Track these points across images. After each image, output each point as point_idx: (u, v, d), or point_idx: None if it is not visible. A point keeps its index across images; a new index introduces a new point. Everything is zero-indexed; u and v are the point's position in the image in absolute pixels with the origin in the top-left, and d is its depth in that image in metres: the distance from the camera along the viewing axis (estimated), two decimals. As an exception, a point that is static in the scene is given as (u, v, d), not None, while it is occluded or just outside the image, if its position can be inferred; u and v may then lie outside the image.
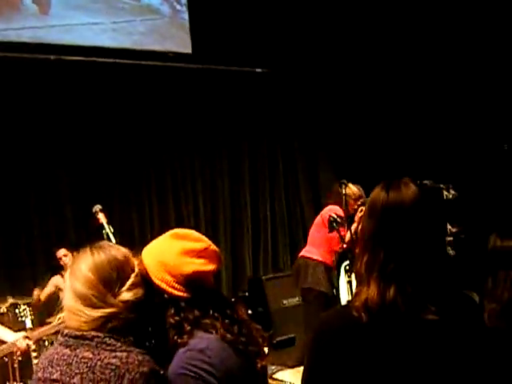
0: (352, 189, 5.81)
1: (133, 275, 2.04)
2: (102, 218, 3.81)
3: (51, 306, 6.08)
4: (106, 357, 1.92)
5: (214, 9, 8.72)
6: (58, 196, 7.80)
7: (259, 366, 2.12)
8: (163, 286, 2.06)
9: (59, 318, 5.09)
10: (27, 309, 5.43)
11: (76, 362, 1.95)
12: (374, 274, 1.76)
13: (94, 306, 1.98)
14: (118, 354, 1.92)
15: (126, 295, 2.00)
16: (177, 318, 2.03)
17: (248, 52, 8.94)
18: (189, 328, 2.02)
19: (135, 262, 2.09)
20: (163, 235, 2.19)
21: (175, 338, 2.01)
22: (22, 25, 7.75)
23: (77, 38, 8.03)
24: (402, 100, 8.64)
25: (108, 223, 3.75)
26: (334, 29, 9.08)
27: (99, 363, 1.91)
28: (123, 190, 8.17)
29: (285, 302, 7.75)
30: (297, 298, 7.49)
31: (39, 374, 2.00)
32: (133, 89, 8.21)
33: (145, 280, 2.07)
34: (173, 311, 2.04)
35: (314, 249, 5.97)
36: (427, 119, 8.31)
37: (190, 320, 2.03)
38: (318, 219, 6.11)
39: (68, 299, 2.04)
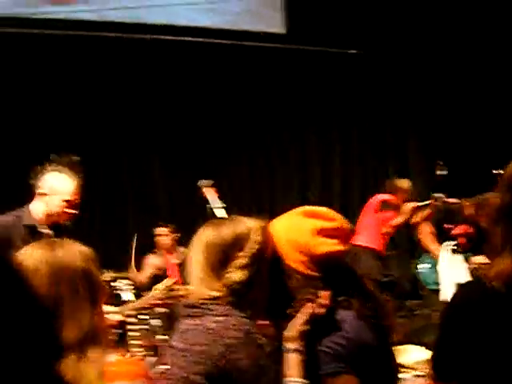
0: (403, 183, 6.41)
1: (241, 255, 1.98)
2: (207, 192, 3.79)
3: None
4: (208, 321, 1.93)
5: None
6: (151, 173, 7.92)
7: (391, 339, 2.10)
8: (296, 265, 2.01)
9: (153, 293, 5.20)
10: (124, 282, 5.47)
11: (187, 329, 1.97)
12: (509, 245, 1.76)
13: (201, 287, 1.99)
14: (219, 318, 1.93)
15: (230, 277, 1.97)
16: (313, 297, 1.99)
17: (342, 33, 8.79)
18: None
19: (254, 238, 2.00)
20: (293, 211, 2.12)
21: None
22: (119, 5, 7.87)
23: (173, 18, 8.10)
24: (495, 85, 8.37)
25: (220, 198, 3.71)
26: (429, 12, 8.81)
27: (201, 328, 1.92)
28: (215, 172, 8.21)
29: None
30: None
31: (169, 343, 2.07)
32: (227, 69, 8.23)
33: (275, 257, 2.02)
34: (307, 290, 1.99)
35: (360, 235, 5.92)
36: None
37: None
38: (365, 207, 6.27)
39: (188, 275, 2.07)
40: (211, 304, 1.95)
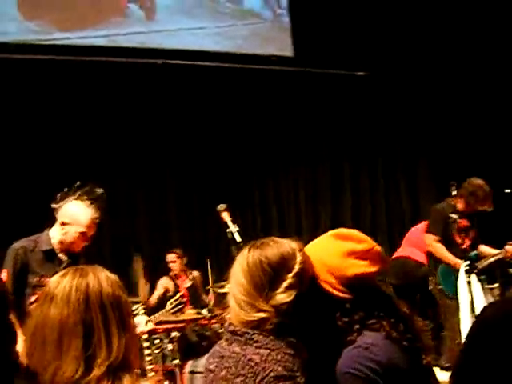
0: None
1: (289, 276, 1.98)
2: (226, 216, 3.81)
3: (162, 306, 6.17)
4: (250, 352, 1.92)
5: (314, 12, 8.70)
6: (164, 198, 7.96)
7: (425, 361, 2.05)
8: (326, 287, 2.02)
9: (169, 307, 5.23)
10: (139, 307, 5.51)
11: (227, 355, 1.97)
12: None
13: (246, 310, 1.97)
14: (261, 351, 1.92)
15: (278, 298, 1.96)
16: (344, 319, 2.00)
17: (349, 55, 8.86)
18: (356, 327, 1.98)
19: (298, 258, 2.02)
20: (325, 234, 2.14)
21: (344, 338, 1.98)
22: (129, 30, 7.96)
23: (181, 43, 8.18)
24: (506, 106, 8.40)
25: (233, 222, 3.74)
26: (434, 33, 8.88)
27: (243, 358, 1.91)
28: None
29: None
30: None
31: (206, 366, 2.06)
32: (235, 93, 8.29)
33: (311, 280, 2.03)
34: (339, 313, 2.00)
35: (406, 247, 6.11)
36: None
37: (356, 321, 1.99)
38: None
39: (229, 299, 2.05)
40: (254, 334, 1.94)
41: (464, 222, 5.70)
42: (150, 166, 7.86)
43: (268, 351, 1.91)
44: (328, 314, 2.01)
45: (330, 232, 2.14)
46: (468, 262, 5.16)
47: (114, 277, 1.79)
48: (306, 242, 2.14)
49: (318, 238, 2.15)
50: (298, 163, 8.94)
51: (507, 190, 5.36)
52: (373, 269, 2.05)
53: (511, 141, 8.29)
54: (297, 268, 1.99)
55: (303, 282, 2.00)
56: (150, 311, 6.17)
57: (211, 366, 2.00)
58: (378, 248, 2.10)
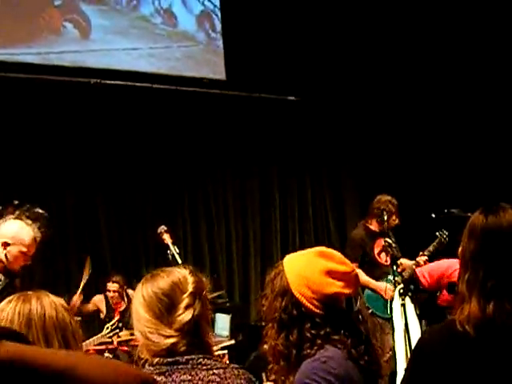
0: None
1: (184, 297, 2.09)
2: (167, 238, 3.86)
3: (89, 324, 6.12)
4: (204, 376, 1.99)
5: (247, 37, 8.87)
6: (96, 219, 7.90)
7: None
8: (302, 299, 2.13)
9: (105, 332, 5.20)
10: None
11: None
12: (475, 291, 1.88)
13: (155, 341, 2.05)
14: (215, 371, 2.00)
15: (179, 319, 2.06)
16: (313, 331, 2.11)
17: (280, 80, 9.05)
18: (319, 342, 2.09)
19: (190, 279, 2.13)
20: (308, 250, 2.27)
21: (306, 350, 2.09)
22: (62, 49, 7.91)
23: (115, 63, 8.19)
24: (430, 124, 8.80)
25: (173, 243, 3.79)
26: (362, 58, 9.20)
27: (200, 383, 1.98)
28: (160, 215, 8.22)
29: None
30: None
31: None
32: (168, 113, 8.34)
33: (283, 289, 2.15)
34: (308, 325, 2.11)
35: None
36: (458, 144, 8.44)
37: (322, 336, 2.10)
38: None
39: (136, 334, 2.16)
40: (199, 358, 2.01)
41: (381, 242, 5.90)
42: (80, 185, 7.78)
43: (222, 370, 2.00)
44: (296, 323, 2.12)
45: (315, 249, 2.27)
46: (401, 285, 5.33)
47: (58, 300, 1.90)
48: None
49: (302, 253, 2.28)
50: (228, 185, 9.03)
51: (453, 210, 5.58)
52: (347, 291, 2.17)
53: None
54: (190, 288, 2.10)
55: (200, 299, 2.11)
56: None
57: None
58: (356, 273, 2.23)
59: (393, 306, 5.56)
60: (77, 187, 7.78)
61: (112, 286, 6.95)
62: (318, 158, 9.76)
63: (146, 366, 2.07)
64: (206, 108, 8.60)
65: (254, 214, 9.17)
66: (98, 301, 6.99)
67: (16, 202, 3.84)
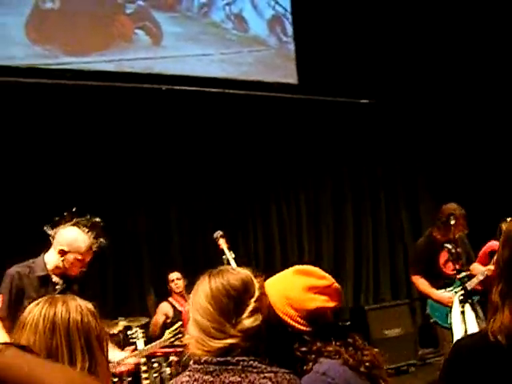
0: None
1: (252, 301, 2.01)
2: (222, 243, 3.84)
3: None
4: (255, 379, 1.91)
5: (319, 40, 8.79)
6: (167, 222, 7.97)
7: None
8: (287, 319, 2.09)
9: (167, 337, 5.22)
10: (139, 330, 5.51)
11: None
12: (508, 300, 1.80)
13: (214, 337, 1.97)
14: (267, 374, 1.92)
15: (245, 323, 1.98)
16: (302, 349, 2.06)
17: (353, 83, 8.92)
18: (313, 357, 2.05)
19: (256, 285, 2.06)
20: (287, 270, 2.23)
21: (301, 368, 2.03)
22: (135, 56, 8.03)
23: (187, 69, 8.25)
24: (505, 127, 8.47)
25: (229, 249, 3.76)
26: (439, 60, 8.96)
27: None
28: (229, 224, 8.21)
29: (386, 332, 7.84)
30: (399, 329, 7.88)
31: None
32: (240, 118, 8.34)
33: (269, 311, 2.08)
34: (297, 344, 2.07)
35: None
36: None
37: (314, 351, 2.06)
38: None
39: (191, 329, 2.05)
40: (251, 360, 1.95)
41: (446, 251, 5.73)
42: (154, 191, 7.87)
43: (273, 374, 1.92)
44: (285, 344, 2.07)
45: (292, 268, 2.22)
46: (462, 292, 5.16)
47: (86, 305, 1.87)
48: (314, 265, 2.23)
49: (280, 274, 2.23)
50: (301, 188, 8.97)
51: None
52: (331, 304, 2.13)
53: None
54: (257, 293, 2.03)
55: (263, 307, 2.04)
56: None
57: None
58: (337, 285, 2.19)
59: (452, 313, 5.38)
60: (148, 195, 7.87)
61: (174, 276, 6.98)
62: (392, 164, 9.58)
63: (191, 363, 2.00)
64: (277, 112, 8.57)
65: (329, 232, 9.12)
66: (164, 308, 7.00)
67: (73, 209, 3.89)
